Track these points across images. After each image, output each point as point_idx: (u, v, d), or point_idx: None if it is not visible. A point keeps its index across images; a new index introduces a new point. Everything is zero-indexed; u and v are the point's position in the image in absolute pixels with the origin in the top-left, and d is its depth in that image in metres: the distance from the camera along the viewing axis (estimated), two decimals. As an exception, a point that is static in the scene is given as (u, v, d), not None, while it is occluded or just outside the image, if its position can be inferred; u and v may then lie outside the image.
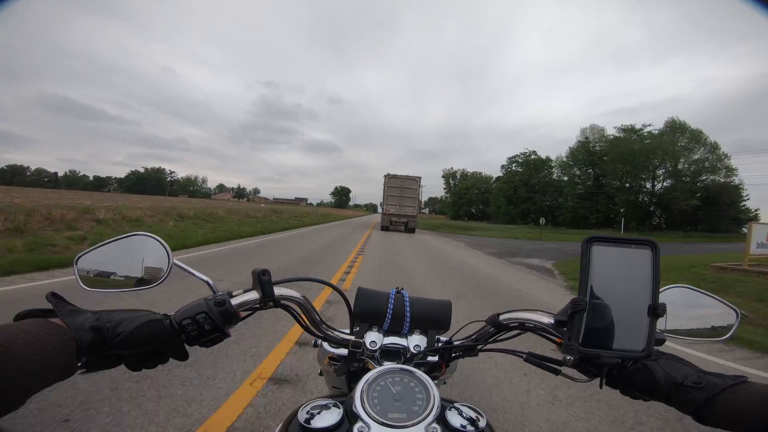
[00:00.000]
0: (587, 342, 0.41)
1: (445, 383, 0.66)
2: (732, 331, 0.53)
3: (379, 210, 21.57)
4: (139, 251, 0.53)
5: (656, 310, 0.41)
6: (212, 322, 0.45)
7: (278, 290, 0.53)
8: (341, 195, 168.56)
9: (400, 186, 20.11)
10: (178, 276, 0.51)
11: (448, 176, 77.86)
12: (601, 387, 0.43)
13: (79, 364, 0.35)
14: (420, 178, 20.73)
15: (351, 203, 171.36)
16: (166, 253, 0.52)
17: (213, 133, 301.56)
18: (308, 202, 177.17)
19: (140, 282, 0.52)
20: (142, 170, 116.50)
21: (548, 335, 0.49)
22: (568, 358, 0.44)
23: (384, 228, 19.77)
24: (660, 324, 0.47)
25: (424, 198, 25.66)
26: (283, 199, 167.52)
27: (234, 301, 0.49)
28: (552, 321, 0.47)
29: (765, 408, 0.34)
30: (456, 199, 70.98)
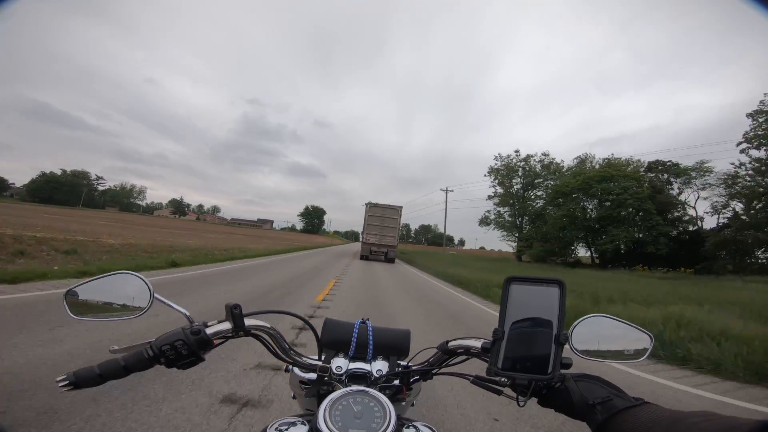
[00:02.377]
0: (506, 366, 0.55)
1: (413, 405, 0.81)
2: (646, 353, 0.69)
3: (361, 239, 22.97)
4: (123, 286, 0.68)
5: (560, 339, 0.53)
6: (189, 348, 0.60)
7: (249, 321, 0.68)
8: (312, 217, 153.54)
9: (381, 215, 21.82)
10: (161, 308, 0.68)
11: (509, 169, 41.44)
12: (520, 405, 0.56)
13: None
14: (401, 207, 22.55)
15: (326, 227, 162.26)
16: (147, 289, 0.67)
17: (194, 150, 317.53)
18: (274, 225, 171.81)
19: (123, 313, 0.67)
20: (58, 172, 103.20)
21: (485, 359, 0.63)
22: (503, 380, 0.56)
23: (363, 257, 21.41)
24: (578, 347, 0.65)
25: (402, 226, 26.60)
26: (242, 220, 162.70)
27: (209, 330, 0.64)
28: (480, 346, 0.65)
29: (653, 428, 0.42)
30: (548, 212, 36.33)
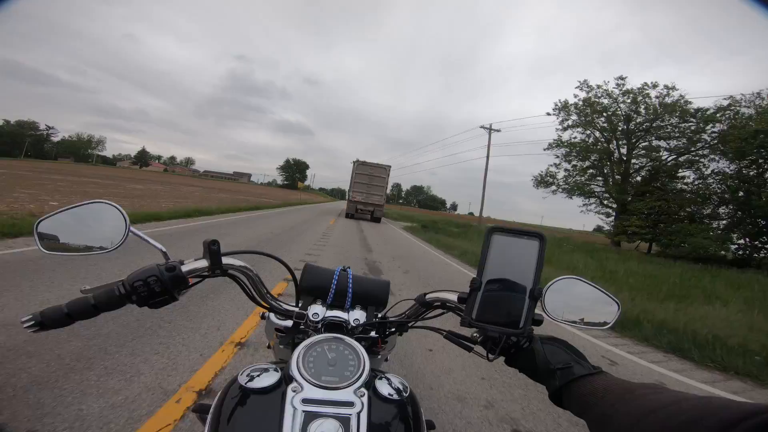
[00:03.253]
0: (479, 318, 0.56)
1: (387, 360, 0.86)
2: (613, 320, 0.71)
3: (347, 197, 23.72)
4: (98, 218, 0.66)
5: (534, 293, 0.55)
6: (162, 285, 0.60)
7: (227, 260, 0.68)
8: (293, 171, 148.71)
9: (368, 174, 22.17)
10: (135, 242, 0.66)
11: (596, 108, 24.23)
12: (489, 360, 0.60)
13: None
14: (389, 167, 22.71)
15: (308, 183, 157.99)
16: (124, 221, 0.66)
17: (176, 106, 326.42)
18: (251, 179, 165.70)
19: (97, 247, 0.66)
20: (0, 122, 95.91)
21: (459, 312, 0.64)
22: (475, 335, 0.61)
23: (349, 215, 22.02)
24: (549, 308, 0.68)
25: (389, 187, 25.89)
26: (215, 172, 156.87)
27: (184, 268, 0.63)
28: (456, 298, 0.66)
29: (606, 398, 0.45)
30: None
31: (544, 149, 26.84)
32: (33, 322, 0.57)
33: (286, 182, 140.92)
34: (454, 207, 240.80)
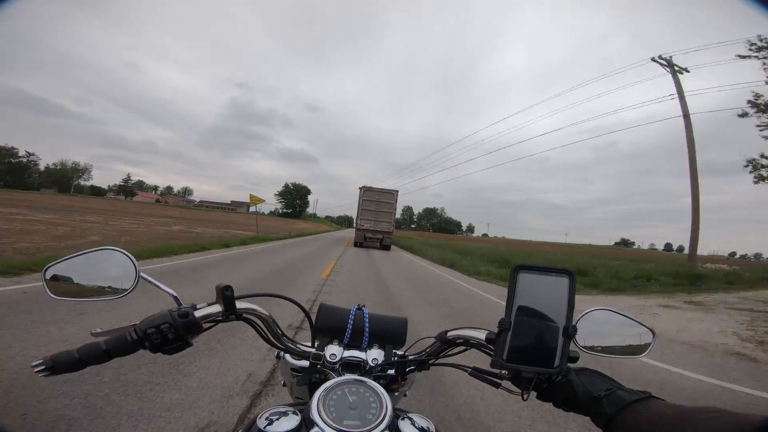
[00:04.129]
0: (511, 358, 0.58)
1: (405, 395, 0.89)
2: (648, 349, 0.76)
3: (355, 224, 24.39)
4: (107, 264, 0.70)
5: (568, 331, 0.57)
6: (175, 332, 0.63)
7: (241, 304, 0.72)
8: (293, 197, 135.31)
9: (376, 200, 22.78)
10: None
11: None
12: (524, 399, 0.60)
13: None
14: (397, 191, 23.54)
15: (312, 211, 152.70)
16: (133, 267, 0.70)
17: (182, 136, 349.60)
18: (252, 208, 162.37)
19: (107, 293, 0.70)
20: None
21: (487, 351, 0.68)
22: (504, 372, 0.61)
23: (357, 244, 22.49)
24: (583, 342, 0.71)
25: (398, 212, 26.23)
26: (210, 202, 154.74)
27: (197, 313, 0.67)
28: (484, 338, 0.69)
29: (662, 424, 0.46)
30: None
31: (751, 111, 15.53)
32: (44, 367, 0.59)
33: (286, 210, 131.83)
34: (470, 229, 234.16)
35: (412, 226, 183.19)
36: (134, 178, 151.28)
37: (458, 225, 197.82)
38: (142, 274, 0.70)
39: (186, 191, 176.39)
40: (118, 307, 3.82)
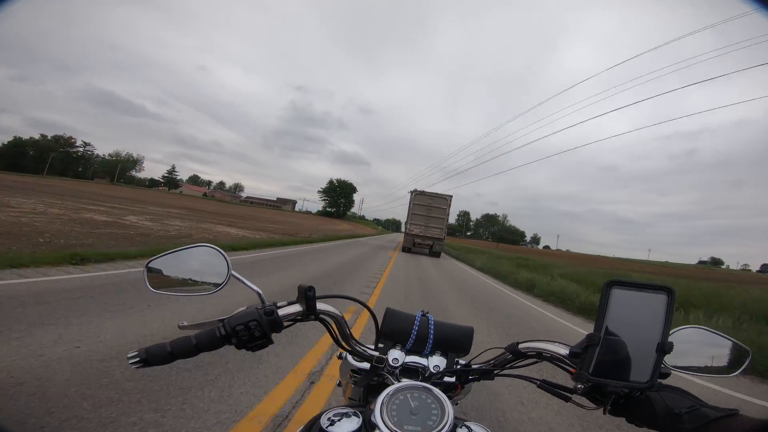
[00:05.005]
0: (597, 372, 0.61)
1: (457, 404, 0.90)
2: (742, 368, 0.77)
3: (404, 229, 25.11)
4: (201, 259, 0.80)
5: (664, 347, 0.60)
6: (261, 329, 0.70)
7: (319, 305, 0.79)
8: (337, 195, 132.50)
9: (427, 204, 23.35)
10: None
11: None
12: (604, 413, 0.64)
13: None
14: (451, 197, 23.67)
15: (355, 210, 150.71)
16: (226, 264, 0.78)
17: (246, 137, 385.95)
18: (298, 206, 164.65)
19: (200, 287, 0.79)
20: (36, 137, 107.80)
21: (563, 365, 0.72)
22: (579, 386, 0.64)
23: (406, 249, 23.44)
24: (671, 360, 0.72)
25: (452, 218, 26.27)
26: (257, 198, 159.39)
27: (280, 312, 0.74)
28: (567, 352, 0.70)
29: None
30: None
31: None
32: (138, 359, 0.67)
33: (329, 209, 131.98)
34: (535, 240, 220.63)
35: (468, 233, 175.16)
36: (190, 174, 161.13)
37: (522, 235, 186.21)
38: (232, 271, 0.78)
39: (237, 187, 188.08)
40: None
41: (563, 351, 0.72)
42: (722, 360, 0.78)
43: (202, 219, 22.89)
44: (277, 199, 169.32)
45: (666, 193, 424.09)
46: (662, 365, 0.64)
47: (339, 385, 1.05)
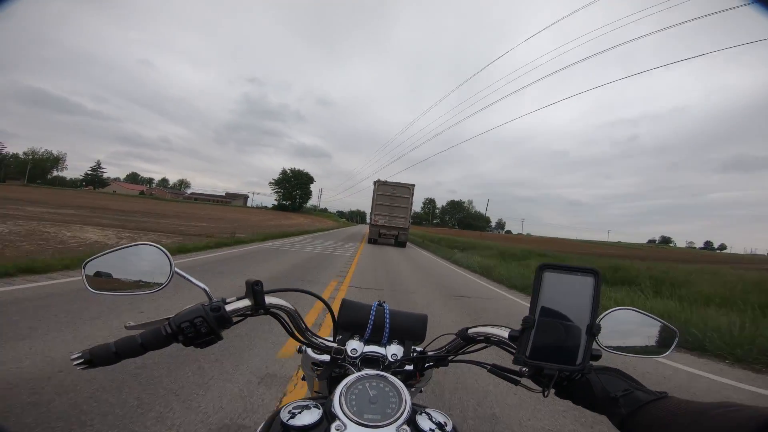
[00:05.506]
0: (534, 355, 0.66)
1: (421, 391, 0.99)
2: (671, 348, 0.83)
3: (369, 220, 25.98)
4: (143, 259, 0.80)
5: (592, 329, 0.65)
6: (208, 326, 0.72)
7: (269, 299, 0.81)
8: (292, 186, 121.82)
9: (391, 194, 23.87)
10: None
11: None
12: (545, 395, 0.68)
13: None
14: (413, 185, 24.22)
15: (315, 203, 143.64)
16: (168, 262, 0.80)
17: (196, 133, 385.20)
18: (251, 201, 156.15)
19: (142, 287, 0.80)
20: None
21: (507, 348, 0.77)
22: (524, 369, 0.68)
23: (372, 241, 23.67)
24: (605, 341, 0.78)
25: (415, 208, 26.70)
26: (201, 194, 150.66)
27: (228, 308, 0.76)
28: (507, 335, 0.77)
29: (678, 422, 0.51)
30: None
31: None
32: (82, 360, 0.68)
33: (283, 202, 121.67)
34: (501, 225, 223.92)
35: (435, 221, 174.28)
36: (132, 172, 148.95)
37: (487, 221, 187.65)
38: (176, 269, 0.79)
39: (183, 184, 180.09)
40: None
41: (505, 334, 0.77)
42: (653, 340, 0.84)
43: (84, 220, 17.26)
44: (226, 194, 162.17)
45: (611, 176, 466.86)
46: (595, 347, 0.69)
47: (303, 379, 1.10)
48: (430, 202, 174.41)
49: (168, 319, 0.72)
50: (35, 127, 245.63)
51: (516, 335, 0.71)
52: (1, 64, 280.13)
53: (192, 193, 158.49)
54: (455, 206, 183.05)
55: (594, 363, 0.68)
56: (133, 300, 4.52)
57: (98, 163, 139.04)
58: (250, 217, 50.30)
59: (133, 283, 0.79)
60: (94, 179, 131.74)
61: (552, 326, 0.66)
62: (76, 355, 0.68)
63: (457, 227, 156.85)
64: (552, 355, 0.65)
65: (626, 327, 0.82)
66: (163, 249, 0.80)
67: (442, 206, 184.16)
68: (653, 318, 0.84)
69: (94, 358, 0.68)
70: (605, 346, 0.78)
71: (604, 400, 0.62)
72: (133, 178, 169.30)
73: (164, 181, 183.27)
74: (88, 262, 0.79)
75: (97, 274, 0.79)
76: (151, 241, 0.81)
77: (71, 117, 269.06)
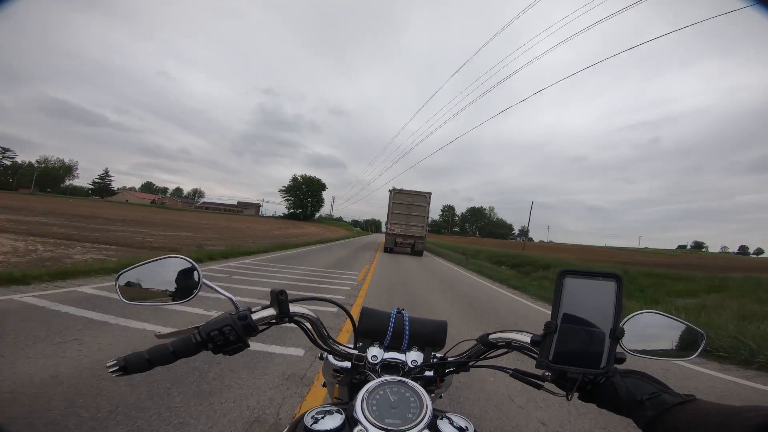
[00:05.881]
0: (557, 360, 0.68)
1: (441, 397, 1.02)
2: (698, 351, 0.84)
3: (384, 229, 26.38)
4: (173, 270, 0.86)
5: (616, 333, 0.67)
6: (236, 334, 0.77)
7: (293, 308, 0.86)
8: (304, 194, 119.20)
9: (407, 203, 23.88)
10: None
11: None
12: (568, 399, 0.70)
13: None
14: (430, 194, 24.37)
15: (330, 212, 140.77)
16: (196, 272, 0.86)
17: (214, 144, 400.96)
18: (264, 210, 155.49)
19: (173, 298, 0.85)
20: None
21: (531, 353, 0.79)
22: (546, 374, 0.71)
23: (388, 249, 23.78)
24: (630, 345, 0.80)
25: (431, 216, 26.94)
26: (213, 203, 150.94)
27: (254, 316, 0.81)
28: (529, 340, 0.81)
29: (705, 425, 0.52)
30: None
31: None
32: (117, 367, 0.72)
33: (294, 210, 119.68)
34: (524, 233, 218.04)
35: (455, 229, 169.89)
36: (153, 182, 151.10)
37: (510, 228, 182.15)
38: (204, 280, 0.85)
39: (197, 194, 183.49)
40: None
41: (527, 340, 0.80)
42: (678, 343, 0.85)
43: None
44: (238, 203, 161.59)
45: (633, 181, 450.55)
46: (619, 350, 0.71)
47: (324, 385, 1.13)
48: (449, 209, 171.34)
49: (197, 327, 0.77)
50: (59, 138, 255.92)
51: (538, 340, 0.74)
52: (27, 75, 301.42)
53: (204, 203, 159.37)
54: (475, 213, 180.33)
55: (619, 366, 0.70)
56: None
57: (106, 171, 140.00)
58: (257, 226, 48.49)
59: (163, 293, 0.85)
60: (102, 188, 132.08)
61: (575, 331, 0.68)
62: (111, 363, 0.72)
63: (478, 235, 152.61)
64: (575, 359, 0.67)
65: (651, 330, 0.84)
66: (192, 261, 0.86)
67: (462, 213, 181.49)
68: (678, 321, 0.85)
69: (129, 366, 0.72)
70: (630, 350, 0.80)
71: (629, 403, 0.63)
72: (148, 187, 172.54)
73: (178, 190, 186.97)
74: (122, 274, 0.85)
75: (129, 284, 0.85)
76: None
77: (95, 128, 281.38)
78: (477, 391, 3.27)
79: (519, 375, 0.79)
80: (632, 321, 0.82)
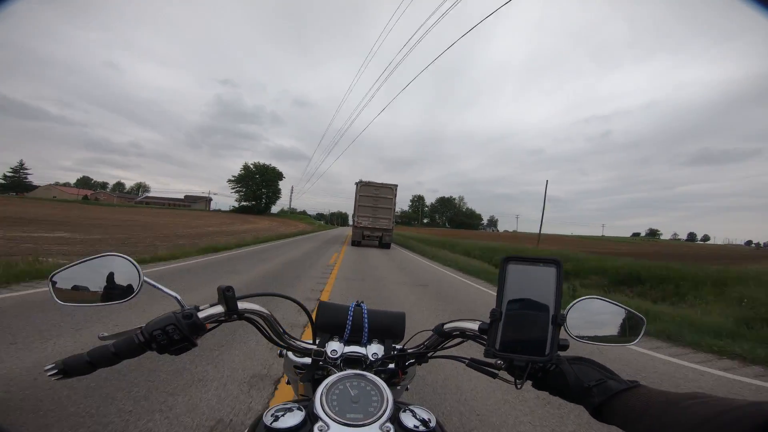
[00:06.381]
0: (503, 348, 0.70)
1: (407, 389, 1.04)
2: (639, 336, 0.88)
3: (351, 222, 26.58)
4: (110, 269, 0.84)
5: (557, 320, 0.69)
6: (180, 333, 0.76)
7: (242, 304, 0.86)
8: (257, 185, 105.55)
9: (373, 195, 24.13)
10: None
11: None
12: (517, 387, 0.72)
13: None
14: (396, 186, 24.69)
15: (285, 207, 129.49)
16: (136, 271, 0.84)
17: (168, 137, 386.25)
18: (215, 203, 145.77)
19: (112, 298, 0.83)
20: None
21: (481, 341, 0.80)
22: (499, 362, 0.73)
23: (355, 243, 23.97)
24: (575, 331, 0.84)
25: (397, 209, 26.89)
26: (155, 198, 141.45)
27: (201, 314, 0.80)
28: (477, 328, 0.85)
29: (648, 410, 0.56)
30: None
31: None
32: (56, 370, 0.71)
33: (244, 203, 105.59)
34: (492, 223, 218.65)
35: (425, 220, 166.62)
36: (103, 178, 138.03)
37: (479, 218, 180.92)
38: (145, 278, 0.83)
39: (141, 188, 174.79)
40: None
41: (476, 328, 0.82)
42: (620, 328, 0.88)
43: None
44: (186, 197, 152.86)
45: (587, 172, 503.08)
46: (564, 336, 0.74)
47: (288, 383, 1.12)
48: (418, 200, 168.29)
49: (140, 327, 0.76)
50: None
51: (486, 328, 0.76)
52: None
53: (146, 197, 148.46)
54: (445, 204, 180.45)
55: (566, 353, 0.73)
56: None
57: (21, 164, 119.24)
58: (194, 221, 42.31)
59: (102, 294, 0.82)
60: (16, 183, 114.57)
61: (519, 318, 0.70)
62: (49, 366, 0.70)
63: (448, 226, 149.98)
64: (521, 346, 0.69)
65: (596, 317, 0.86)
66: (130, 259, 0.84)
67: (432, 204, 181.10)
68: (620, 306, 0.88)
69: (68, 369, 0.71)
70: (576, 336, 0.83)
71: (578, 389, 0.67)
72: (85, 182, 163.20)
73: (119, 185, 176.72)
74: (56, 273, 0.82)
75: (65, 285, 0.82)
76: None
77: (35, 122, 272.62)
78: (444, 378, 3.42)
79: (474, 364, 0.81)
80: (577, 307, 0.84)
